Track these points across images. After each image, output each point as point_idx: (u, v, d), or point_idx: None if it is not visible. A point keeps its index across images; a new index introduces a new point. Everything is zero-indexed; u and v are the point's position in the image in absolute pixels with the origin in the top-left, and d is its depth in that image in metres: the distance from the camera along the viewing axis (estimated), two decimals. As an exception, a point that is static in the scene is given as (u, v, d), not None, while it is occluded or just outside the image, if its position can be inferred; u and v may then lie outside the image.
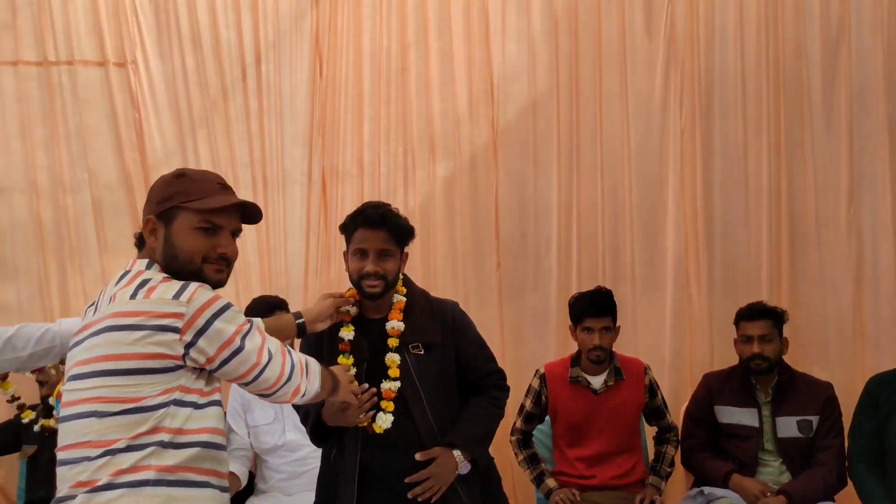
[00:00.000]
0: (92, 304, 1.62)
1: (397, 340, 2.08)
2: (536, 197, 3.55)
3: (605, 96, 3.52)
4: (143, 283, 1.51)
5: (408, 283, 2.18)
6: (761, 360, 2.84)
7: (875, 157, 3.38)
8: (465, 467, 2.07)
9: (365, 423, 2.02)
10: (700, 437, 2.96)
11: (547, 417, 3.01)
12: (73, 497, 1.43)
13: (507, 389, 2.29)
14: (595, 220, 3.52)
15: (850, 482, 2.81)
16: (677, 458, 2.99)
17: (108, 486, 1.41)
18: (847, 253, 3.39)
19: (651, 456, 3.01)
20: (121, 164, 3.46)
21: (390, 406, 2.04)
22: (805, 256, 3.43)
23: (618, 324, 2.90)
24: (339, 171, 3.53)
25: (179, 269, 1.55)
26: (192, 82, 3.47)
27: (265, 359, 1.57)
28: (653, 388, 2.94)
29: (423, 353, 2.09)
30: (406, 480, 2.02)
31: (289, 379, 1.62)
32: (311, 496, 2.23)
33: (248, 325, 1.57)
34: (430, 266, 3.53)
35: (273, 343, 1.62)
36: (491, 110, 3.54)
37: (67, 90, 3.42)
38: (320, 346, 2.12)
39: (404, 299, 2.12)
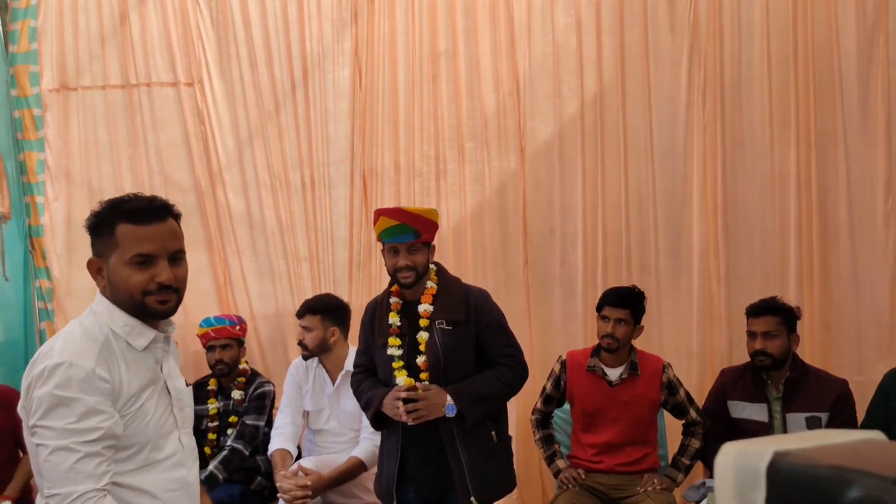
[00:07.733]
0: None
1: (427, 321, 2.44)
2: (562, 194, 3.65)
3: (628, 93, 3.57)
4: None
5: (441, 272, 2.53)
6: (764, 357, 2.84)
7: (915, 147, 3.24)
8: (450, 409, 2.37)
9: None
10: (715, 431, 2.98)
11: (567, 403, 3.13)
12: None
13: (519, 370, 2.52)
14: (620, 216, 3.59)
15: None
16: None
17: None
18: (885, 246, 3.29)
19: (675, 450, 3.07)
20: (191, 172, 3.91)
21: (426, 375, 2.42)
22: (837, 250, 3.34)
23: (641, 324, 2.95)
24: (378, 172, 3.80)
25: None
26: (249, 97, 3.84)
27: None
28: (672, 386, 2.95)
29: (449, 328, 2.42)
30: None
31: None
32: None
33: None
34: (460, 262, 3.72)
35: None
36: (517, 111, 3.67)
37: (146, 108, 3.88)
38: (372, 330, 2.55)
39: (435, 286, 2.48)
